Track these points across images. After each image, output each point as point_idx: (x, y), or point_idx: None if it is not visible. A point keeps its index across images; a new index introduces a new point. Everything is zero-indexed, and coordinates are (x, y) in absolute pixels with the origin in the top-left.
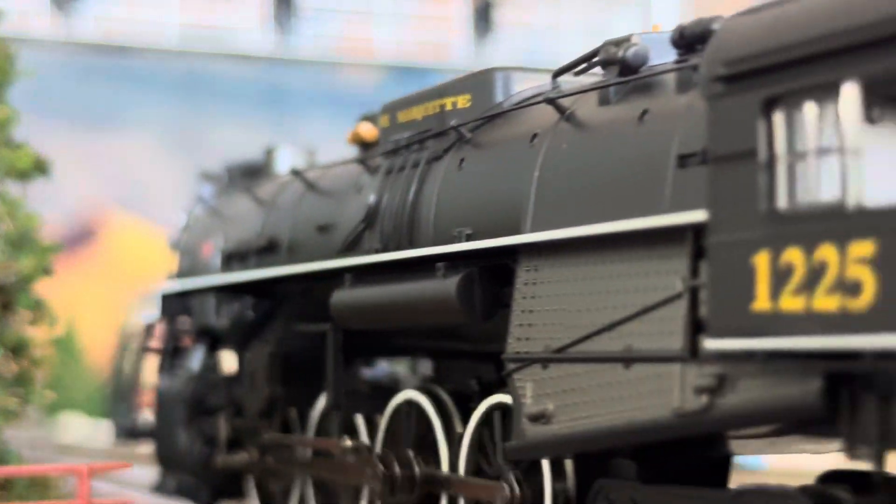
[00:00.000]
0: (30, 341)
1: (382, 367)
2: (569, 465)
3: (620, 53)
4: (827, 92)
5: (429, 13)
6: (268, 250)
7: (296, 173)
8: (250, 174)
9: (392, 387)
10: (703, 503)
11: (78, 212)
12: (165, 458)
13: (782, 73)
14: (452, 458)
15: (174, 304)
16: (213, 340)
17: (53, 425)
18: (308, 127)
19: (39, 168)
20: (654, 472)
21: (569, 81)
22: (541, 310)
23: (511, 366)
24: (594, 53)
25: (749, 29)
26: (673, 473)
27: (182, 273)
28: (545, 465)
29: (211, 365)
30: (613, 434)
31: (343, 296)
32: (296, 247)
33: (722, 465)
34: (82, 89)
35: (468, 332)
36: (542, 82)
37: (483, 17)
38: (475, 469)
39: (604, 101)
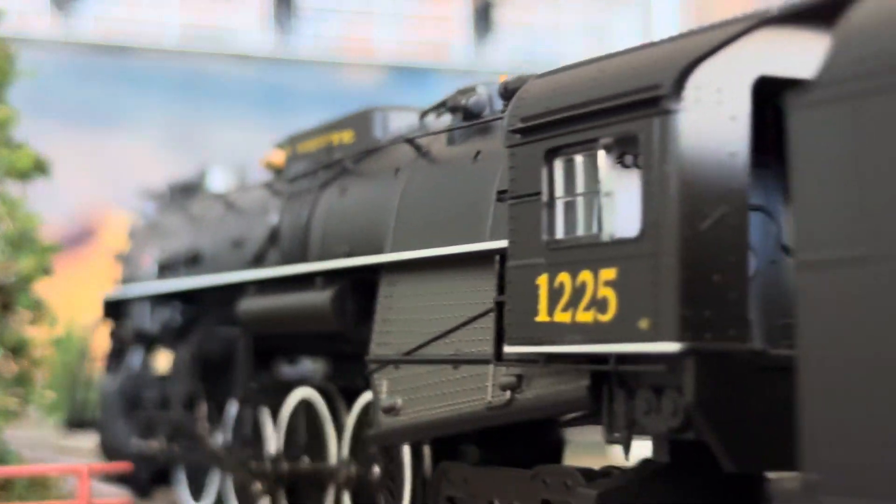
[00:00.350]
0: (30, 341)
1: (306, 366)
2: (427, 450)
3: (464, 101)
4: (590, 146)
5: (429, 13)
6: (194, 262)
7: (218, 196)
8: (187, 192)
9: (300, 384)
10: (507, 481)
11: (78, 212)
12: (107, 448)
13: (559, 129)
14: (340, 447)
15: (117, 310)
16: (150, 342)
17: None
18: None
19: (39, 168)
20: (495, 455)
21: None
22: (396, 319)
23: (372, 366)
24: (446, 101)
25: (540, 91)
26: (511, 456)
27: (125, 281)
28: (405, 450)
29: (147, 364)
30: (445, 424)
31: (247, 304)
32: (216, 259)
33: (556, 448)
34: (82, 89)
35: (352, 337)
36: (413, 120)
37: (483, 17)
38: (356, 456)
39: (450, 142)
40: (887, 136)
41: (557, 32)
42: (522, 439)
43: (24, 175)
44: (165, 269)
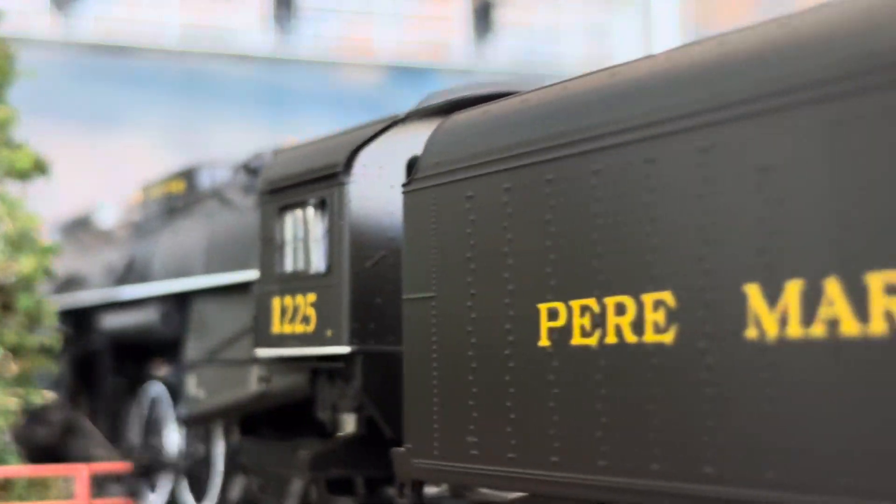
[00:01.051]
0: (30, 341)
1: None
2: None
3: (252, 164)
4: (303, 205)
5: (429, 13)
6: (78, 283)
7: (100, 231)
8: (79, 225)
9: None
10: (277, 450)
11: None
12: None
13: (287, 192)
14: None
15: None
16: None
17: None
18: (308, 127)
19: (39, 168)
20: (281, 431)
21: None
22: (205, 328)
23: (187, 366)
24: (247, 162)
25: (279, 162)
26: (298, 431)
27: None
28: (217, 430)
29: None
30: (229, 409)
31: (104, 320)
32: (94, 282)
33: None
34: (82, 89)
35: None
36: (227, 174)
37: (483, 17)
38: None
39: (246, 193)
40: (454, 214)
41: (557, 32)
42: (298, 419)
43: (24, 175)
44: (62, 289)
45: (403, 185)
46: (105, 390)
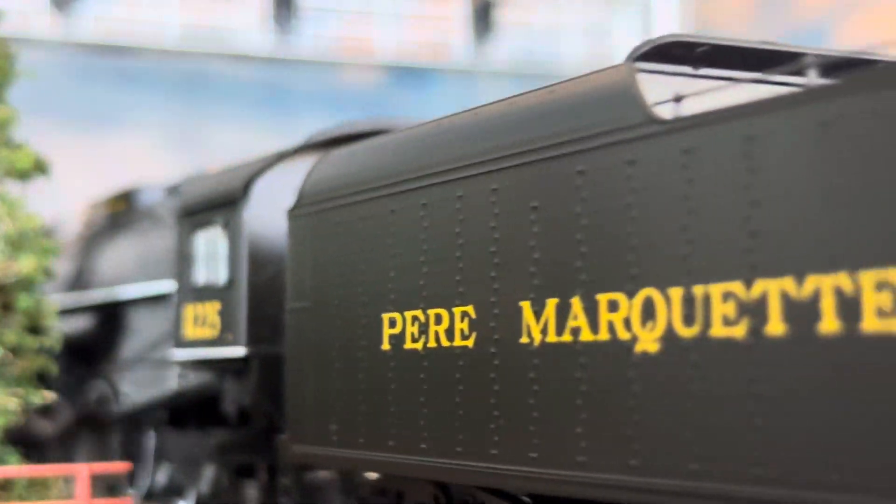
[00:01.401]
0: (30, 341)
1: None
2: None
3: (181, 187)
4: (213, 225)
5: (429, 13)
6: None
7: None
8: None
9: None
10: (195, 438)
11: (78, 212)
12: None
13: (197, 214)
14: None
15: None
16: None
17: None
18: (308, 127)
19: (39, 168)
20: (204, 423)
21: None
22: (135, 333)
23: (121, 366)
24: (178, 185)
25: (193, 187)
26: (211, 420)
27: None
28: (148, 423)
29: None
30: (154, 402)
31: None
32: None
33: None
34: (82, 89)
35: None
36: (161, 195)
37: (483, 17)
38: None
39: (171, 213)
40: (325, 237)
41: (557, 32)
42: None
43: (24, 175)
44: None
45: (288, 211)
46: (58, 388)
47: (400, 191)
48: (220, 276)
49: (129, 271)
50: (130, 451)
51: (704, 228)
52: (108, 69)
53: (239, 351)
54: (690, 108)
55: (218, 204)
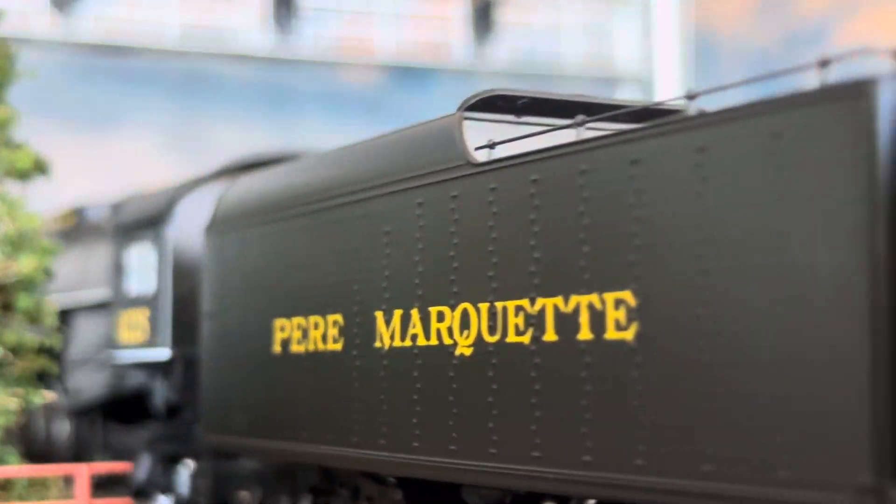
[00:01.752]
0: (30, 341)
1: None
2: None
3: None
4: (144, 242)
5: (429, 13)
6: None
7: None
8: None
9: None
10: (140, 431)
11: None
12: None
13: (131, 230)
14: None
15: None
16: None
17: None
18: (308, 127)
19: (39, 168)
20: (142, 416)
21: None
22: (80, 336)
23: (68, 367)
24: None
25: (128, 205)
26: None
27: None
28: (95, 418)
29: None
30: (92, 401)
31: None
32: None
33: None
34: (82, 89)
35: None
36: (106, 211)
37: (483, 17)
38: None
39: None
40: (231, 253)
41: (557, 32)
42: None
43: (24, 175)
44: None
45: (204, 229)
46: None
47: (291, 214)
48: (150, 286)
49: (73, 281)
50: (80, 445)
51: (504, 255)
52: (107, 69)
53: (164, 353)
54: (505, 151)
55: (147, 222)
